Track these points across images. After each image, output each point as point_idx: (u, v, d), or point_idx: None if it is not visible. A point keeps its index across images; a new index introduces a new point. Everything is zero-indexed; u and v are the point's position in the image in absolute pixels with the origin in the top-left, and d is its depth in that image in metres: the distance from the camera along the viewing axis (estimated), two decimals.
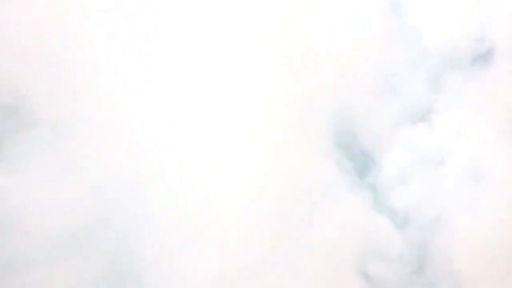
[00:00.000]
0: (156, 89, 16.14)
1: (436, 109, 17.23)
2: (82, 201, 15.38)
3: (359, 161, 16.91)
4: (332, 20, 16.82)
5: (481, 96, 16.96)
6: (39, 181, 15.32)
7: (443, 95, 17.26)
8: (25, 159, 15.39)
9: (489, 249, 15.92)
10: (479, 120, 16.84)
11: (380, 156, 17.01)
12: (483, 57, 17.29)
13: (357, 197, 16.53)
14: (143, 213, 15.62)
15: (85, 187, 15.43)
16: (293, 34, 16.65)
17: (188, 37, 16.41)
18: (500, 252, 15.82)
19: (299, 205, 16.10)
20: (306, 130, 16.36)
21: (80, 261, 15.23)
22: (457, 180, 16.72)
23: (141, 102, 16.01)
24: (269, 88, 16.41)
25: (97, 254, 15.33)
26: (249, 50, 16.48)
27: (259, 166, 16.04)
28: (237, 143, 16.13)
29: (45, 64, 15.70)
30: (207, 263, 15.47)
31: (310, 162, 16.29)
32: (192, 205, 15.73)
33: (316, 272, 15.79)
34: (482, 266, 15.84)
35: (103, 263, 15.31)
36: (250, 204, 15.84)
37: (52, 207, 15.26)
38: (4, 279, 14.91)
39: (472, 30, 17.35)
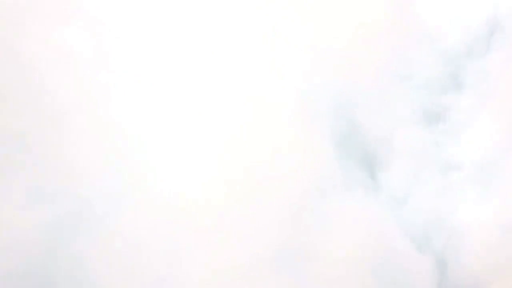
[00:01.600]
0: (150, 85, 16.05)
1: (450, 109, 16.80)
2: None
3: (366, 165, 16.60)
4: (338, 16, 16.52)
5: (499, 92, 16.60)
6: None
7: (457, 94, 16.85)
8: None
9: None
10: (497, 121, 16.47)
11: (389, 160, 16.64)
12: (500, 47, 16.84)
13: (363, 203, 16.29)
14: (142, 213, 15.48)
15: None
16: (296, 30, 16.50)
17: (184, 34, 16.25)
18: None
19: (299, 209, 15.87)
20: (309, 130, 16.10)
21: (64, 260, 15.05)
22: (474, 186, 16.31)
23: (131, 98, 15.85)
24: (270, 86, 16.13)
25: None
26: (248, 47, 16.37)
27: (260, 167, 15.88)
28: (236, 144, 15.93)
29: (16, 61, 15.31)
30: (207, 267, 15.37)
31: (311, 164, 16.01)
32: (191, 207, 15.59)
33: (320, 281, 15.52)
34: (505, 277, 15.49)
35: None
36: (250, 206, 15.70)
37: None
38: None
39: (486, 17, 16.94)
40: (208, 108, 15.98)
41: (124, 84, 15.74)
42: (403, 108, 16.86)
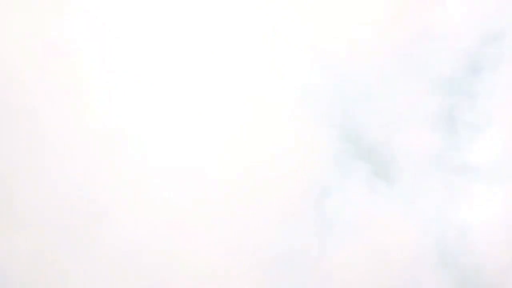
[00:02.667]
0: (148, 84, 16.03)
1: (458, 109, 16.55)
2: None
3: (369, 166, 16.48)
4: (338, 16, 16.52)
5: None
6: None
7: (466, 94, 16.61)
8: None
9: None
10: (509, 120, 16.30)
11: (393, 161, 16.49)
12: None
13: (365, 204, 16.12)
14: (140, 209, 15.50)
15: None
16: (296, 30, 16.45)
17: (184, 34, 16.33)
18: None
19: (299, 209, 15.85)
20: (309, 130, 16.11)
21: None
22: (486, 187, 16.13)
23: (129, 97, 15.89)
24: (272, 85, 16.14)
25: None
26: (248, 47, 16.34)
27: (260, 167, 15.87)
28: (235, 144, 16.01)
29: None
30: (206, 267, 15.41)
31: (312, 164, 15.99)
32: (191, 207, 15.63)
33: None
34: None
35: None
36: (250, 206, 15.70)
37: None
38: None
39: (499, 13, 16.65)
40: (208, 107, 16.02)
41: (121, 83, 15.79)
42: (407, 107, 16.74)
